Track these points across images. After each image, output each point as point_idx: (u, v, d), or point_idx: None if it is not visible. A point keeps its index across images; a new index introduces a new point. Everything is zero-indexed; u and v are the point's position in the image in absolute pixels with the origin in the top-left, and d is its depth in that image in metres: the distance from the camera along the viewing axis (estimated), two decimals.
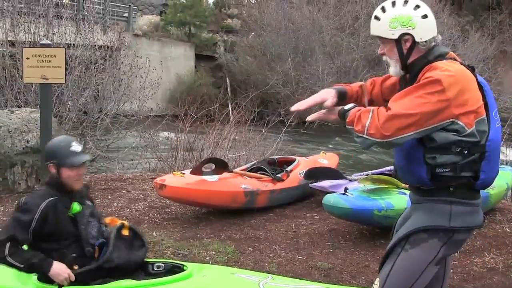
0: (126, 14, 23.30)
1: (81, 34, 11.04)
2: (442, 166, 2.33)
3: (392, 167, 5.71)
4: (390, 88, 2.62)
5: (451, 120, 2.27)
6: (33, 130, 6.35)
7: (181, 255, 4.56)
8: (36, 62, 5.44)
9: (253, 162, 6.70)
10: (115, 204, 5.91)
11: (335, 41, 22.27)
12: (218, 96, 14.38)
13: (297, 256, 4.66)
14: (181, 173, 5.56)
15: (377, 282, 2.50)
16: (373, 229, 5.17)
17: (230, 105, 13.32)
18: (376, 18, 2.44)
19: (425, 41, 2.39)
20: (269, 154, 9.02)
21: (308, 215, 5.74)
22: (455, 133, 2.29)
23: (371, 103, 2.61)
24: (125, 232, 3.14)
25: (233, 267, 4.24)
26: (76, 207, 3.00)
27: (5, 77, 9.73)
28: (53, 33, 10.66)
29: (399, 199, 4.80)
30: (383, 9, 2.41)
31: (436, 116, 2.24)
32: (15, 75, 9.58)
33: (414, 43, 2.39)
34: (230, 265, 4.36)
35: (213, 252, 4.64)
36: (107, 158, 10.43)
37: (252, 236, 5.12)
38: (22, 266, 2.85)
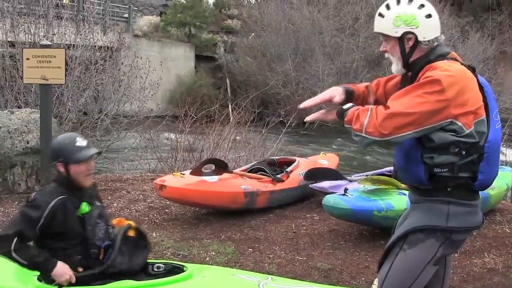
0: (126, 15, 23.29)
1: (81, 34, 11.05)
2: (440, 166, 2.33)
3: (391, 168, 5.72)
4: (393, 88, 2.62)
5: (449, 120, 2.26)
6: (33, 131, 6.35)
7: (181, 255, 4.56)
8: (36, 62, 5.44)
9: (253, 163, 6.71)
10: (115, 204, 5.90)
11: (335, 41, 22.28)
12: (218, 97, 14.39)
13: (297, 257, 4.66)
14: (181, 173, 5.56)
15: (376, 282, 2.51)
16: (373, 229, 5.17)
17: (230, 106, 13.32)
18: (380, 15, 2.44)
19: (428, 41, 2.39)
20: (269, 154, 9.03)
21: (308, 215, 5.74)
22: (453, 134, 2.29)
23: (376, 103, 2.61)
24: (131, 233, 3.13)
25: (233, 267, 4.24)
26: (84, 207, 2.97)
27: (5, 77, 9.75)
28: (53, 34, 10.67)
29: (399, 200, 4.80)
30: (388, 7, 2.42)
31: (434, 116, 2.24)
32: (15, 76, 9.59)
33: (417, 42, 2.39)
34: (230, 265, 4.36)
35: (213, 253, 4.64)
36: (107, 159, 10.42)
37: (252, 236, 5.12)
38: (26, 263, 2.84)
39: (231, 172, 5.82)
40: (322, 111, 2.52)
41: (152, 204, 6.00)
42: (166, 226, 5.40)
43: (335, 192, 5.09)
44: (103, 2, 18.29)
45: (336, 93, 2.53)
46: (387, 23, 2.41)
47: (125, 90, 11.19)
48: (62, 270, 2.86)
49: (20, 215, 2.90)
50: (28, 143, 6.27)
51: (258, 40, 24.48)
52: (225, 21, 28.29)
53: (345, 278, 4.29)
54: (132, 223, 3.20)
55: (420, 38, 2.38)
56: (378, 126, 2.23)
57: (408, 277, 2.43)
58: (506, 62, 24.22)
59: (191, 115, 9.44)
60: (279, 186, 5.91)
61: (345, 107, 2.39)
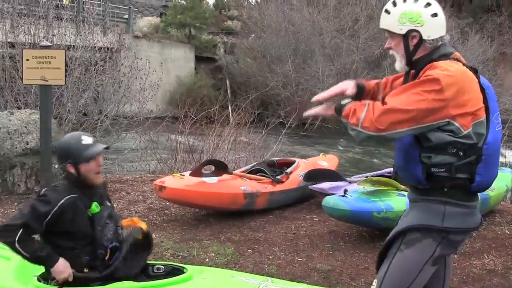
0: (126, 16, 23.31)
1: (81, 35, 11.05)
2: (437, 166, 2.33)
3: (391, 169, 5.73)
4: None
5: (447, 120, 2.26)
6: (32, 132, 6.35)
7: (180, 256, 4.56)
8: (36, 63, 5.44)
9: (252, 164, 6.71)
10: (114, 205, 5.88)
11: (335, 43, 22.29)
12: (218, 98, 14.40)
13: (296, 258, 4.66)
14: (180, 175, 5.56)
15: (375, 283, 2.51)
16: (372, 231, 5.18)
17: (230, 107, 13.33)
18: (386, 11, 2.44)
19: (432, 40, 2.39)
20: (268, 156, 9.03)
21: (307, 217, 5.75)
22: (450, 134, 2.29)
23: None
24: (139, 236, 3.13)
25: (232, 269, 4.24)
26: (95, 207, 2.96)
27: (5, 78, 9.74)
28: (53, 35, 10.67)
29: (398, 201, 4.80)
30: (394, 3, 2.42)
31: (431, 114, 2.24)
32: (15, 77, 9.58)
33: (421, 40, 2.39)
34: (230, 266, 4.36)
35: (213, 254, 4.64)
36: (106, 160, 10.41)
37: (252, 238, 5.12)
38: (28, 256, 2.82)
39: (231, 173, 5.82)
40: (321, 106, 2.52)
41: (151, 205, 6.00)
42: (166, 227, 5.40)
43: (335, 193, 5.09)
44: (103, 3, 18.31)
45: (348, 86, 2.54)
46: (392, 20, 2.42)
47: (125, 91, 11.18)
48: (63, 267, 2.86)
49: (30, 207, 2.87)
50: (27, 144, 6.27)
51: (258, 41, 24.49)
52: (225, 22, 28.30)
53: (344, 279, 4.29)
54: (143, 226, 3.18)
55: (424, 37, 2.38)
56: (374, 121, 2.23)
57: (406, 277, 2.43)
58: (506, 64, 24.21)
59: (191, 116, 9.45)
60: (278, 187, 5.91)
61: (343, 102, 2.40)
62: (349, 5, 23.05)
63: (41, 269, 2.99)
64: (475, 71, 2.40)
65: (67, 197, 2.89)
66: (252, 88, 19.93)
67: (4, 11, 10.87)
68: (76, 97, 9.95)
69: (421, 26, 2.37)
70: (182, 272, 3.14)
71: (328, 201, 4.83)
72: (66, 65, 5.87)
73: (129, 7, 24.20)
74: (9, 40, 10.55)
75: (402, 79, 2.61)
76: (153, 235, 5.03)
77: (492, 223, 5.53)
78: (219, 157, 8.36)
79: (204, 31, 25.67)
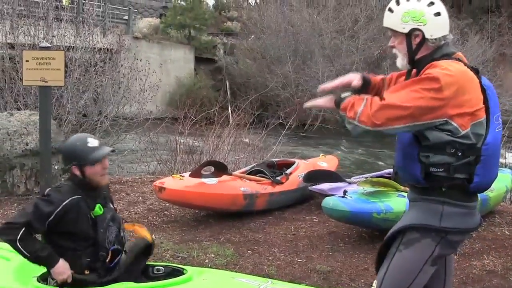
0: (126, 17, 23.31)
1: (80, 36, 11.03)
2: (435, 165, 2.33)
3: (391, 170, 5.72)
4: None
5: (444, 119, 2.27)
6: (32, 133, 6.35)
7: (180, 258, 4.56)
8: (36, 64, 5.44)
9: (252, 165, 6.71)
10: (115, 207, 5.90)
11: (334, 43, 22.30)
12: (218, 99, 14.42)
13: (296, 259, 4.66)
14: (180, 176, 5.56)
15: (375, 284, 2.50)
16: (372, 232, 5.17)
17: (229, 108, 13.31)
18: (390, 10, 2.45)
19: (435, 39, 2.39)
20: (268, 156, 9.03)
21: (307, 218, 5.74)
22: (448, 133, 2.29)
23: None
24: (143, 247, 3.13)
25: (232, 270, 4.24)
26: (98, 209, 2.96)
27: (5, 79, 9.72)
28: (53, 36, 10.66)
29: (398, 202, 4.80)
30: (398, 2, 2.42)
31: (429, 113, 2.24)
32: (15, 78, 9.57)
33: (424, 39, 2.39)
34: (229, 268, 4.36)
35: (212, 255, 4.64)
36: None
37: (251, 239, 5.12)
38: (29, 255, 2.82)
39: (231, 174, 5.82)
40: (321, 98, 2.53)
41: (151, 206, 6.00)
42: (166, 228, 5.40)
43: (335, 194, 5.09)
44: (103, 4, 18.29)
45: (354, 77, 2.55)
46: (395, 18, 2.42)
47: (124, 92, 11.17)
48: (62, 269, 2.86)
49: (33, 206, 2.87)
50: (27, 145, 6.27)
51: (257, 42, 24.50)
52: (225, 23, 28.30)
53: (344, 280, 4.29)
54: (148, 237, 3.16)
55: (427, 36, 2.38)
56: (371, 116, 2.24)
57: (406, 277, 2.43)
58: (505, 64, 24.19)
59: (190, 117, 9.45)
60: (278, 188, 5.91)
61: (343, 95, 2.40)
62: (348, 6, 23.08)
63: (40, 270, 2.99)
64: (476, 71, 2.40)
65: (71, 198, 2.89)
66: (252, 89, 19.95)
67: (4, 12, 10.86)
68: (75, 98, 9.94)
69: (424, 25, 2.37)
70: (182, 273, 3.15)
71: (327, 202, 4.83)
72: (66, 66, 5.88)
73: (129, 8, 24.20)
74: (8, 41, 10.54)
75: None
76: (153, 236, 5.03)
77: (491, 224, 5.53)
78: (219, 158, 8.35)
79: (203, 32, 25.67)
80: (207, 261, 4.52)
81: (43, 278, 2.98)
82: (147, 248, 3.19)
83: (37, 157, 6.06)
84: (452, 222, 2.37)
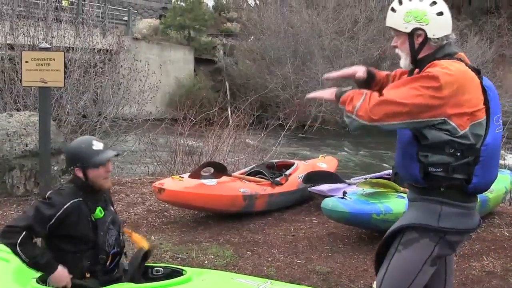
0: (125, 18, 23.32)
1: (80, 37, 11.03)
2: (434, 165, 2.34)
3: (390, 171, 5.74)
4: None
5: (442, 118, 2.27)
6: (32, 134, 6.34)
7: (179, 259, 4.56)
8: (35, 65, 5.44)
9: (252, 166, 6.71)
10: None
11: (334, 45, 22.32)
12: (217, 100, 14.44)
13: (295, 260, 4.66)
14: (180, 177, 5.56)
15: (374, 285, 2.50)
16: (371, 233, 5.17)
17: (229, 109, 13.33)
18: (392, 9, 2.45)
19: (437, 38, 2.39)
20: (268, 157, 9.04)
21: (306, 219, 5.74)
22: (447, 133, 2.29)
23: None
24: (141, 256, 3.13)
25: (231, 271, 4.24)
26: (98, 212, 2.95)
27: (4, 80, 9.72)
28: (52, 37, 10.65)
29: (397, 203, 4.80)
30: (400, 2, 2.43)
31: (427, 111, 2.24)
32: (14, 79, 9.57)
33: (426, 39, 2.40)
34: (229, 269, 4.36)
35: (212, 256, 4.64)
36: None
37: (251, 240, 5.12)
38: (27, 261, 2.80)
39: (230, 175, 5.81)
40: (324, 90, 2.53)
41: (151, 207, 6.00)
42: (165, 229, 5.40)
43: (334, 195, 5.09)
44: (103, 5, 18.30)
45: (359, 69, 2.57)
46: (398, 18, 2.42)
47: (124, 93, 11.17)
48: (61, 276, 2.84)
49: (34, 209, 2.85)
50: (27, 146, 6.26)
51: (257, 43, 24.52)
52: (225, 24, 28.31)
53: (343, 282, 4.29)
54: (145, 245, 3.14)
55: (429, 35, 2.39)
56: (368, 110, 2.25)
57: (405, 278, 2.43)
58: (505, 65, 24.23)
59: (190, 118, 9.45)
60: (278, 189, 5.91)
61: (344, 89, 2.41)
62: (348, 7, 23.10)
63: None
64: (478, 71, 2.40)
65: (72, 201, 2.88)
66: (252, 90, 19.98)
67: (3, 13, 10.85)
68: (75, 99, 9.94)
69: (426, 24, 2.37)
70: (181, 274, 3.14)
71: (327, 203, 4.83)
72: (65, 67, 5.88)
73: (129, 9, 24.20)
74: (8, 42, 10.53)
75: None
76: (152, 237, 5.05)
77: (491, 225, 5.53)
78: (218, 159, 8.35)
79: (203, 33, 25.68)
80: (206, 262, 4.52)
81: (42, 280, 2.97)
82: (146, 254, 3.18)
83: (37, 158, 6.06)
84: (450, 223, 2.37)
